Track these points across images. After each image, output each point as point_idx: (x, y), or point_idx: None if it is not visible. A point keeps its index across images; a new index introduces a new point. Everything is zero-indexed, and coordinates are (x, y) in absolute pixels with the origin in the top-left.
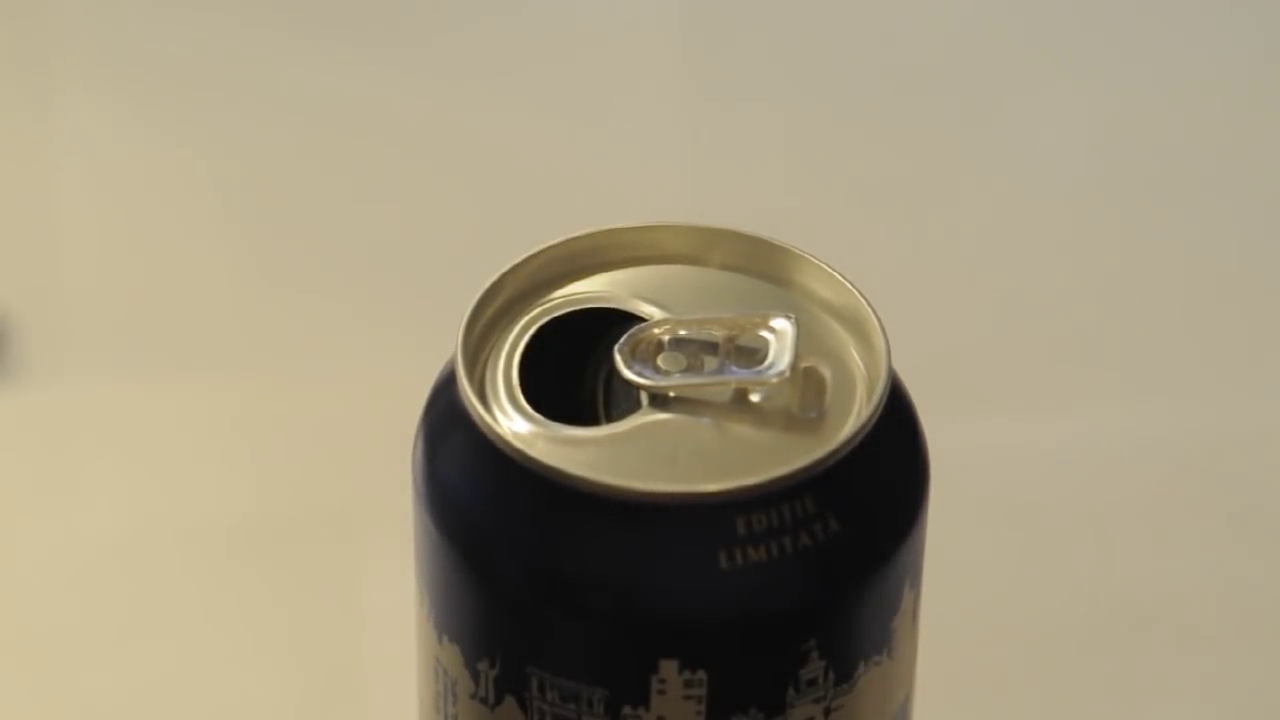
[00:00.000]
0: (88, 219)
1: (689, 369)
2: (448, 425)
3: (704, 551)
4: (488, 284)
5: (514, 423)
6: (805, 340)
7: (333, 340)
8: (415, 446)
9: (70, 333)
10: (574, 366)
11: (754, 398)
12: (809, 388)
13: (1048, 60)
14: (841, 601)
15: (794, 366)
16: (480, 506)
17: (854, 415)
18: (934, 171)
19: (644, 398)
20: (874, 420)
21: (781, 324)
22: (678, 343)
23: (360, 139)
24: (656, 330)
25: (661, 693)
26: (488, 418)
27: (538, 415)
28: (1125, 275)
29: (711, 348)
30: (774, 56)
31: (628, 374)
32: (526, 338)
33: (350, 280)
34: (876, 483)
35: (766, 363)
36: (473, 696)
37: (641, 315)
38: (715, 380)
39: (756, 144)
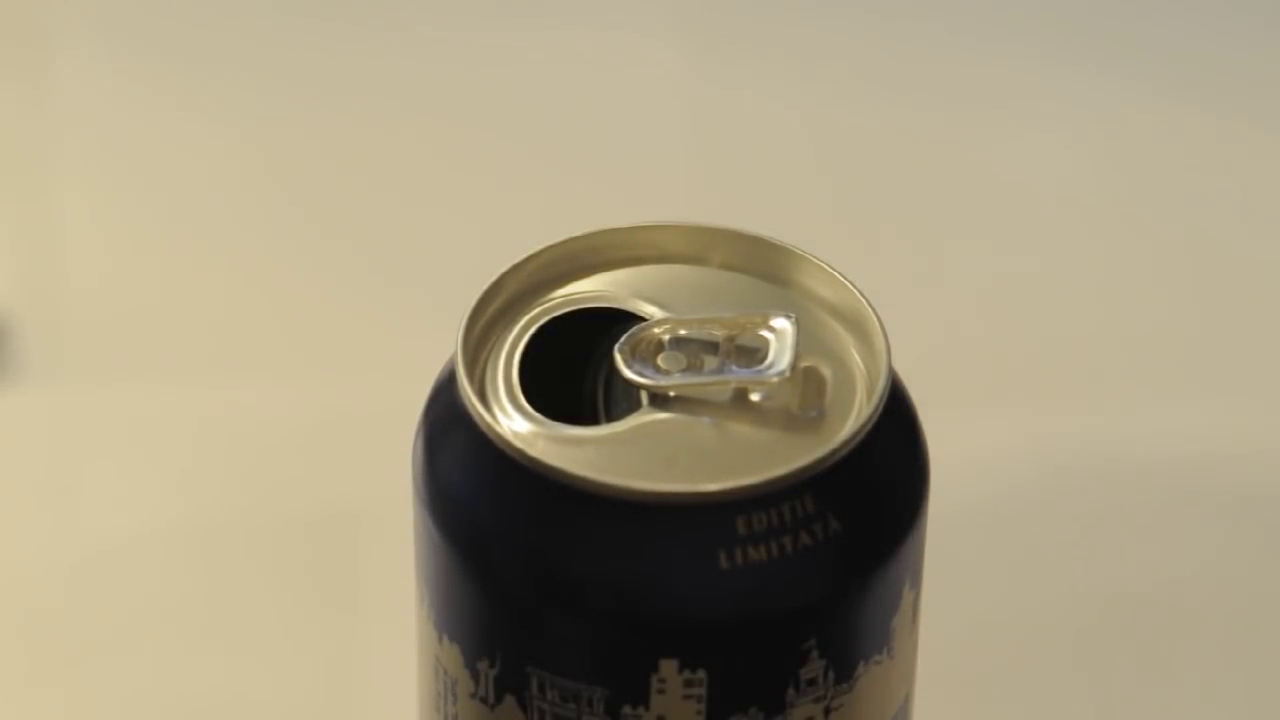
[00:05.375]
0: (88, 219)
1: (689, 368)
2: (448, 425)
3: (704, 551)
4: (488, 284)
5: (514, 422)
6: (805, 340)
7: (333, 340)
8: (415, 446)
9: (70, 333)
10: (574, 366)
11: (754, 397)
12: (809, 387)
13: (1050, 60)
14: (841, 601)
15: (794, 366)
16: (480, 506)
17: (854, 415)
18: (934, 171)
19: (644, 397)
20: (874, 420)
21: (781, 324)
22: (678, 342)
23: (359, 139)
24: (656, 330)
25: (661, 692)
26: (488, 417)
27: (538, 415)
28: (1126, 275)
29: (711, 347)
30: (775, 55)
31: (628, 374)
32: (526, 338)
33: (351, 280)
34: (876, 483)
35: (766, 362)
36: (473, 696)
37: (641, 315)
38: (715, 380)
39: (757, 143)
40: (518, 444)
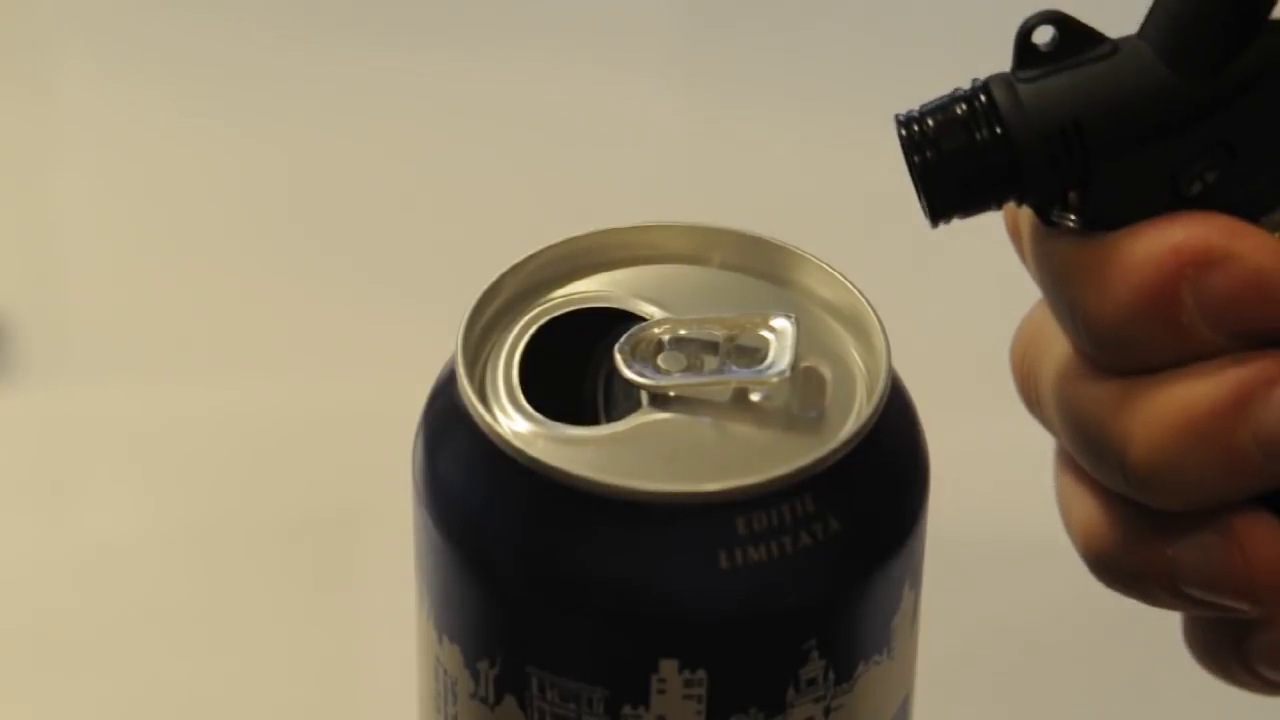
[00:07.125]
0: (88, 219)
1: (689, 368)
2: (448, 425)
3: (704, 551)
4: (488, 284)
5: (514, 422)
6: (805, 340)
7: (333, 340)
8: (415, 446)
9: (70, 333)
10: (574, 366)
11: (754, 397)
12: (809, 387)
13: None
14: (841, 601)
15: (794, 366)
16: (480, 506)
17: (854, 415)
18: None
19: (644, 397)
20: (874, 420)
21: (781, 324)
22: (678, 342)
23: (359, 140)
24: (656, 330)
25: (661, 692)
26: (488, 417)
27: (538, 415)
28: None
29: (711, 347)
30: (775, 56)
31: (628, 374)
32: (526, 338)
33: (351, 280)
34: (876, 483)
35: (766, 362)
36: (473, 696)
37: (641, 315)
38: (715, 380)
39: (756, 144)
40: (518, 444)
